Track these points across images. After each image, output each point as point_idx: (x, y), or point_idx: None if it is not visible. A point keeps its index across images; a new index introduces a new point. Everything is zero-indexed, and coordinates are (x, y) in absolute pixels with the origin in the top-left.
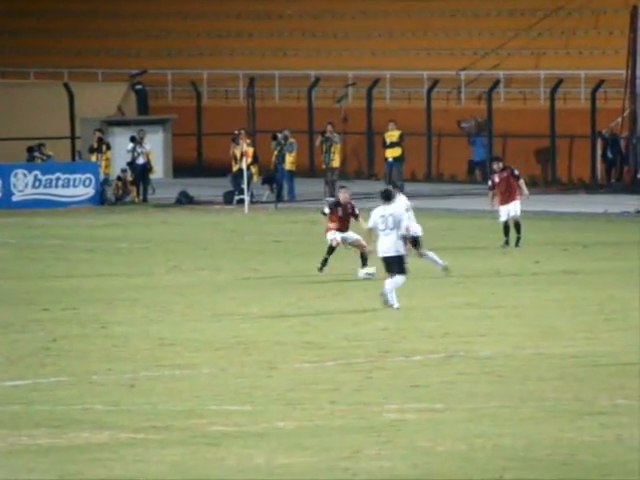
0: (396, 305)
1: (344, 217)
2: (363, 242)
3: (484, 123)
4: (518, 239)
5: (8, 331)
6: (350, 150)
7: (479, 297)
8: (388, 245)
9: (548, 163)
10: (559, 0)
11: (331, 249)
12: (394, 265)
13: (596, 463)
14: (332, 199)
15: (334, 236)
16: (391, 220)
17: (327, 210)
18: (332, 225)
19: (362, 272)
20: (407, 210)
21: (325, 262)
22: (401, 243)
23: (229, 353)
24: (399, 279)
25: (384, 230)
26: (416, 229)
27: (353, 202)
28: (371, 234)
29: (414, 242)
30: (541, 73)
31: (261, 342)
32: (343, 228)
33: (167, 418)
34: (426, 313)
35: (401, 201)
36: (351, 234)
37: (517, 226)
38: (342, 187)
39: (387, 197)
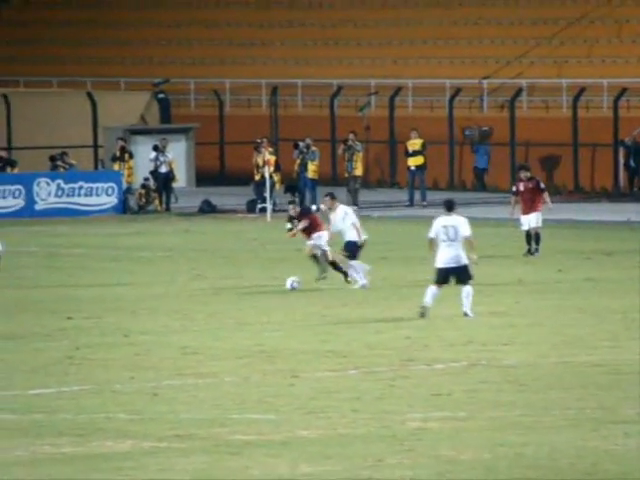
0: (471, 313)
1: (306, 227)
2: (330, 255)
3: (488, 132)
4: (536, 250)
5: (31, 340)
6: (372, 159)
7: (502, 306)
8: (449, 256)
9: (570, 171)
10: (582, 9)
11: (314, 258)
12: (456, 276)
13: (620, 472)
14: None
15: (308, 247)
16: (453, 231)
17: (288, 226)
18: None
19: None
20: (345, 219)
21: (321, 271)
22: (463, 254)
23: (252, 362)
24: (469, 289)
25: (445, 241)
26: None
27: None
28: (432, 244)
29: (350, 249)
30: (563, 81)
31: (283, 350)
32: (313, 233)
33: (190, 427)
34: (449, 322)
35: (342, 210)
36: (322, 242)
37: (537, 237)
38: (290, 202)
39: (449, 207)
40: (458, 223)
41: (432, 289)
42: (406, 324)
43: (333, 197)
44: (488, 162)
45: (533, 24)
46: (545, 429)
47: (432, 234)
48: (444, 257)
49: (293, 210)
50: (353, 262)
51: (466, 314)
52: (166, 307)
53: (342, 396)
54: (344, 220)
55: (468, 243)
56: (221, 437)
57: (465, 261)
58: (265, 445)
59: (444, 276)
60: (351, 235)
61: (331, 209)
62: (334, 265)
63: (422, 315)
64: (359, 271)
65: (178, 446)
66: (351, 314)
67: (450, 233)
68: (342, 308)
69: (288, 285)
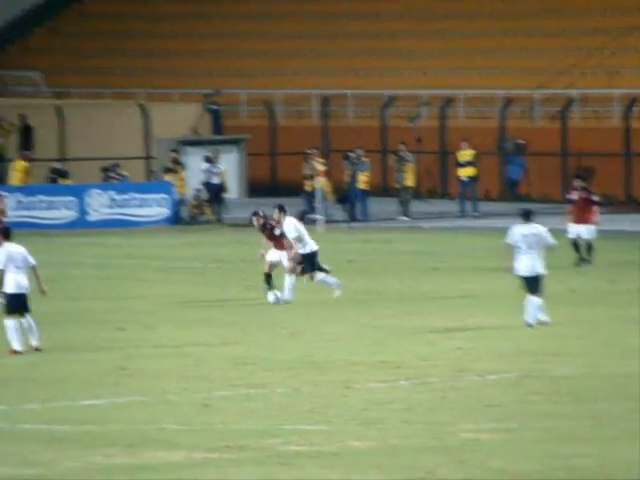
0: (546, 318)
1: (271, 238)
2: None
3: (522, 145)
4: (588, 260)
5: (84, 350)
6: (423, 169)
7: (554, 316)
8: (527, 264)
9: (622, 182)
10: (633, 19)
11: (269, 277)
12: (532, 284)
13: None
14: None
15: (267, 264)
16: (533, 240)
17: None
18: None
19: (271, 294)
20: (297, 235)
21: (268, 283)
22: (540, 262)
23: (303, 372)
24: (537, 301)
25: (524, 249)
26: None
27: (272, 222)
28: (508, 250)
29: (308, 261)
30: (615, 92)
31: (335, 361)
32: (279, 247)
33: (241, 438)
34: (501, 332)
35: (290, 224)
36: (277, 256)
37: (588, 248)
38: (254, 213)
39: (527, 216)
40: (539, 232)
41: (530, 299)
42: (457, 335)
43: (282, 209)
44: (522, 174)
45: (584, 35)
46: (597, 440)
47: (510, 240)
48: (522, 264)
49: (257, 221)
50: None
51: (541, 321)
52: (217, 318)
53: (394, 407)
54: (291, 233)
55: (550, 251)
56: (273, 448)
57: (541, 271)
58: (317, 456)
59: (526, 283)
60: (305, 247)
61: (279, 222)
62: (268, 277)
63: (543, 324)
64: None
65: (230, 457)
66: (402, 325)
67: (530, 241)
68: (393, 319)
69: (271, 299)
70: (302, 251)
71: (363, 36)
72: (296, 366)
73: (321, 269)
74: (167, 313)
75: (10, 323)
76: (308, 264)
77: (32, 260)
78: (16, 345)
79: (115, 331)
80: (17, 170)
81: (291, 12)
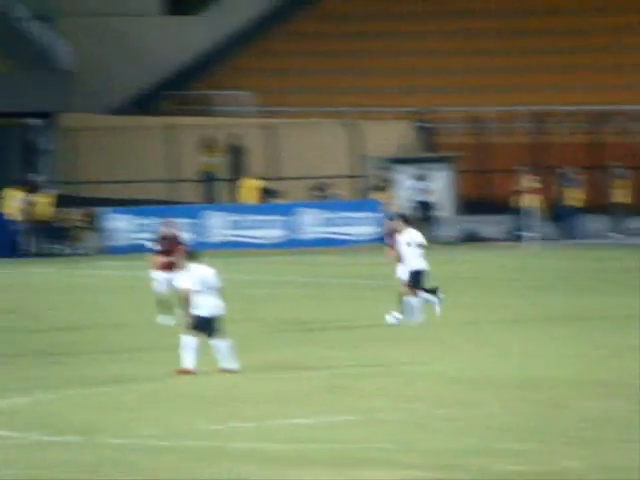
0: None
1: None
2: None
3: None
4: None
5: (292, 369)
6: (638, 185)
7: None
8: None
9: None
10: None
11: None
12: None
13: None
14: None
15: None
16: None
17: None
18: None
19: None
20: (410, 245)
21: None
22: None
23: (514, 390)
24: None
25: None
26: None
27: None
28: None
29: (413, 279)
30: None
31: (548, 380)
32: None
33: (457, 456)
34: None
35: (407, 235)
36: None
37: None
38: (390, 218)
39: None
40: None
41: None
42: None
43: (405, 219)
44: None
45: None
46: None
47: None
48: None
49: (387, 226)
50: (410, 299)
51: None
52: (426, 336)
53: (609, 425)
54: (408, 246)
55: None
56: (489, 467)
57: None
58: (532, 476)
59: None
60: (414, 264)
61: (398, 231)
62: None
63: None
64: (413, 308)
65: (449, 477)
66: (619, 343)
67: None
68: (608, 337)
69: (393, 319)
70: (413, 267)
71: (574, 51)
72: (507, 385)
73: (426, 290)
74: (377, 332)
75: (187, 340)
76: (413, 280)
77: (218, 282)
78: (187, 363)
79: (323, 349)
80: (247, 188)
81: (494, 28)
